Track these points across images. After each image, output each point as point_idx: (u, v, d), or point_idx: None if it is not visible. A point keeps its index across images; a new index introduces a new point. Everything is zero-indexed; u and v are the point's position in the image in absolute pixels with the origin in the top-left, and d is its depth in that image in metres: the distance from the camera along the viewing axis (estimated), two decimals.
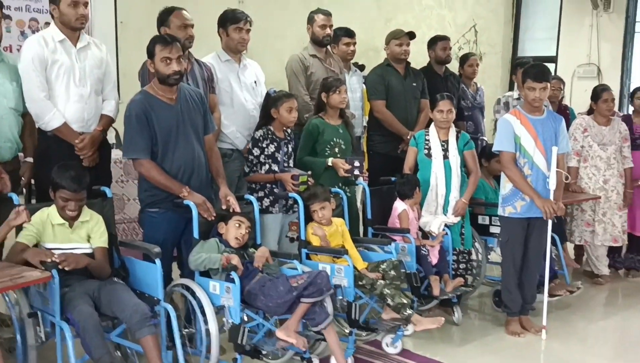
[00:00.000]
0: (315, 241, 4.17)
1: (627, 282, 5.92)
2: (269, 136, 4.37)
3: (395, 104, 5.52)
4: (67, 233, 3.41)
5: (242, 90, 4.64)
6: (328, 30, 5.24)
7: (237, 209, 3.82)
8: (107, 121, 4.18)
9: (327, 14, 5.27)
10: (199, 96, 3.95)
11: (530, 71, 4.35)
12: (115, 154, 5.31)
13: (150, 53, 3.69)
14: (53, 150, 3.91)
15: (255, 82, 4.76)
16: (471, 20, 9.34)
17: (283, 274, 3.73)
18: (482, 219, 5.21)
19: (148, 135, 3.66)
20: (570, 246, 6.08)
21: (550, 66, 7.66)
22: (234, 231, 3.74)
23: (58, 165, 3.40)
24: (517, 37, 9.75)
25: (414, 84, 5.64)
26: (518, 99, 5.95)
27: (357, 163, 4.63)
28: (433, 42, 6.11)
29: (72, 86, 3.93)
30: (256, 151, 4.36)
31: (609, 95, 5.66)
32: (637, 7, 8.53)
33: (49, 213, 3.40)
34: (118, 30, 6.70)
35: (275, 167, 4.38)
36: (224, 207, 3.83)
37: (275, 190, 4.38)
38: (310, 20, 5.29)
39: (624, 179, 5.72)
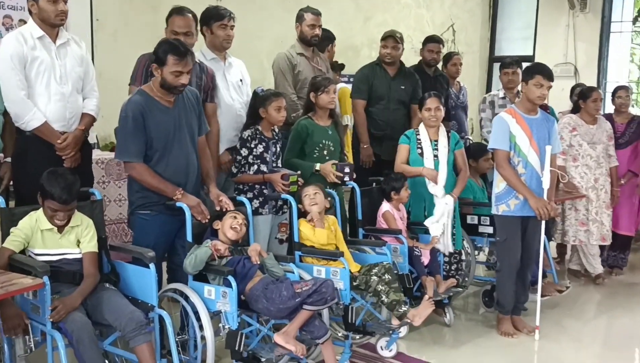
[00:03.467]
0: (307, 237, 4.07)
1: (611, 280, 5.96)
2: (257, 136, 4.26)
3: (377, 105, 5.45)
4: (56, 239, 3.26)
5: (228, 89, 4.52)
6: (317, 31, 5.16)
7: (231, 208, 3.73)
8: (89, 120, 4.03)
9: (317, 14, 5.18)
10: (194, 96, 3.83)
11: (540, 68, 4.35)
12: (97, 154, 5.17)
13: (161, 61, 3.53)
14: (32, 151, 3.77)
15: (240, 80, 4.65)
16: (449, 20, 9.37)
17: (288, 279, 3.63)
18: (471, 219, 5.19)
19: (143, 138, 3.54)
20: (552, 245, 6.09)
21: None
22: (230, 221, 3.65)
23: (48, 171, 3.24)
24: (494, 37, 9.83)
25: (403, 87, 5.52)
26: (504, 98, 5.96)
27: (347, 169, 4.55)
28: (424, 43, 6.09)
29: (53, 84, 3.79)
30: (244, 152, 4.24)
31: (598, 95, 5.71)
32: (613, 7, 8.65)
33: (38, 218, 3.24)
34: (94, 28, 6.54)
35: (263, 167, 4.27)
36: (217, 208, 3.73)
37: (265, 191, 4.27)
38: (299, 18, 5.20)
39: (609, 178, 5.75)
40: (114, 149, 4.37)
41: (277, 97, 4.29)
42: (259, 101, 4.28)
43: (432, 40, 6.10)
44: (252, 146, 4.24)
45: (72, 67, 3.88)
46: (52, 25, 3.78)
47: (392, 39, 5.48)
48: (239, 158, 4.25)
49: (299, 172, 4.33)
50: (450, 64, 6.53)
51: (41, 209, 3.26)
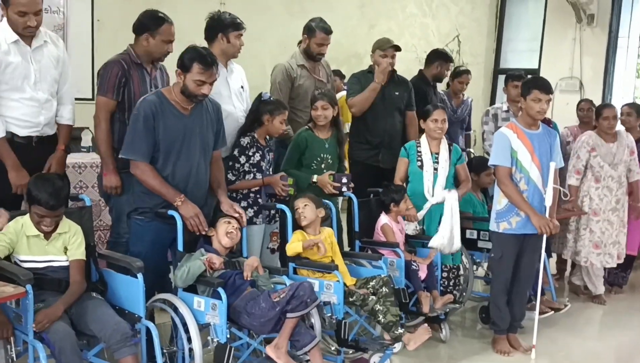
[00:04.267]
0: (298, 249, 3.97)
1: (610, 298, 5.84)
2: (255, 143, 4.19)
3: (372, 113, 5.31)
4: (43, 245, 3.19)
5: (230, 96, 4.44)
6: (324, 50, 5.07)
7: (244, 219, 3.69)
8: (67, 132, 3.91)
9: (328, 32, 5.06)
10: (216, 110, 3.77)
11: (537, 82, 4.28)
12: (92, 157, 5.10)
13: (186, 67, 3.47)
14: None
15: (242, 87, 4.58)
16: (454, 30, 9.30)
17: (265, 290, 3.55)
18: (470, 234, 5.11)
19: (152, 139, 3.48)
20: (551, 261, 5.98)
21: None
22: (225, 226, 3.59)
23: (35, 176, 3.18)
24: (499, 49, 9.75)
25: (397, 93, 5.35)
26: (507, 111, 5.88)
27: (344, 180, 4.49)
28: (437, 57, 5.96)
29: (27, 89, 3.65)
30: (243, 159, 4.17)
31: (610, 112, 5.52)
32: (620, 22, 8.55)
33: (24, 223, 3.17)
34: (95, 28, 6.51)
35: (259, 176, 4.20)
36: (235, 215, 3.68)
37: (260, 200, 4.20)
38: (310, 31, 5.06)
39: (627, 196, 5.59)
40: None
41: (285, 110, 4.27)
42: (264, 107, 4.21)
43: (444, 59, 6.00)
44: (250, 153, 4.18)
45: (48, 70, 3.75)
46: (21, 35, 3.63)
47: (392, 48, 5.33)
48: (237, 165, 4.16)
49: (291, 179, 4.27)
50: (459, 80, 6.35)
51: (28, 214, 3.18)
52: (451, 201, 4.62)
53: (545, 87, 4.21)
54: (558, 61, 8.73)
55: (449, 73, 6.11)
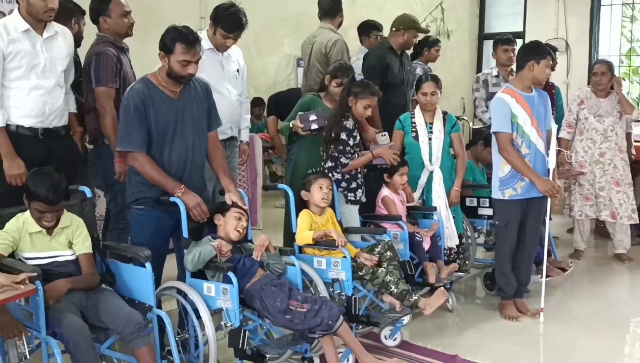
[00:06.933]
0: (308, 240, 3.92)
1: (610, 258, 5.87)
2: (355, 124, 4.33)
3: (394, 88, 5.38)
4: (46, 241, 3.12)
5: (224, 80, 4.34)
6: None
7: (245, 214, 3.61)
8: (75, 118, 4.00)
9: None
10: (204, 88, 3.67)
11: (549, 48, 4.38)
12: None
13: (168, 49, 3.38)
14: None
15: (237, 70, 4.49)
16: None
17: (287, 284, 3.47)
18: (470, 202, 5.11)
19: (146, 128, 3.41)
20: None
21: (519, 42, 7.58)
22: (235, 222, 3.52)
23: (32, 171, 3.10)
24: (483, 14, 9.68)
25: (409, 68, 5.60)
26: (497, 76, 5.85)
27: (312, 117, 4.40)
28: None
29: (33, 78, 3.64)
30: (351, 141, 4.29)
31: (598, 68, 5.58)
32: None
33: (25, 220, 3.10)
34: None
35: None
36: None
37: (359, 180, 4.38)
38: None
39: (622, 153, 5.59)
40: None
41: (373, 96, 4.29)
42: (353, 88, 4.31)
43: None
44: (355, 134, 4.32)
45: (58, 60, 3.76)
46: (40, 20, 3.64)
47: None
48: (347, 148, 4.27)
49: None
50: (435, 49, 6.53)
51: (28, 211, 3.11)
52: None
53: (554, 53, 4.27)
54: (543, 22, 8.66)
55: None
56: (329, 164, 4.31)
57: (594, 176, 5.61)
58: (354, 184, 4.32)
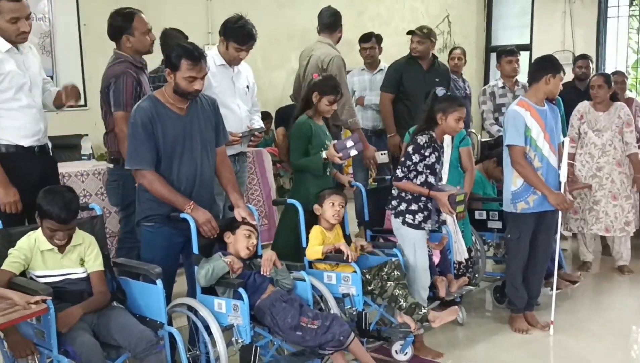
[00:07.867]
0: (318, 255, 3.92)
1: (612, 269, 5.82)
2: (432, 143, 3.96)
3: (409, 98, 5.46)
4: (58, 259, 3.13)
5: (235, 97, 4.37)
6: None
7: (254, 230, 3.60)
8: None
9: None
10: (211, 104, 3.68)
11: (560, 63, 4.35)
12: (93, 165, 5.05)
13: (174, 66, 3.39)
14: None
15: (247, 86, 4.51)
16: (444, 10, 9.26)
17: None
18: (479, 215, 5.09)
19: (154, 145, 3.42)
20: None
21: (525, 54, 7.63)
22: (245, 241, 3.51)
23: (44, 190, 3.10)
24: (489, 26, 9.73)
25: (437, 80, 5.47)
26: (503, 87, 5.90)
27: (349, 143, 4.28)
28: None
29: (23, 97, 3.59)
30: (416, 158, 3.94)
31: (595, 81, 5.55)
32: None
33: (37, 238, 3.11)
34: (82, 32, 6.44)
35: (431, 179, 3.99)
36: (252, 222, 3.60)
37: (429, 205, 4.02)
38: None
39: (621, 167, 5.54)
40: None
41: (461, 107, 3.99)
42: (438, 104, 3.99)
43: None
44: (427, 154, 3.95)
45: (38, 77, 3.73)
46: (14, 42, 3.57)
47: (415, 34, 5.56)
48: (409, 163, 3.96)
49: (466, 191, 4.19)
50: (450, 58, 6.57)
51: (40, 229, 3.13)
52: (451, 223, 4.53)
53: (562, 67, 4.35)
54: (549, 34, 8.71)
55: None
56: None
57: (587, 191, 5.57)
58: (414, 206, 4.02)
